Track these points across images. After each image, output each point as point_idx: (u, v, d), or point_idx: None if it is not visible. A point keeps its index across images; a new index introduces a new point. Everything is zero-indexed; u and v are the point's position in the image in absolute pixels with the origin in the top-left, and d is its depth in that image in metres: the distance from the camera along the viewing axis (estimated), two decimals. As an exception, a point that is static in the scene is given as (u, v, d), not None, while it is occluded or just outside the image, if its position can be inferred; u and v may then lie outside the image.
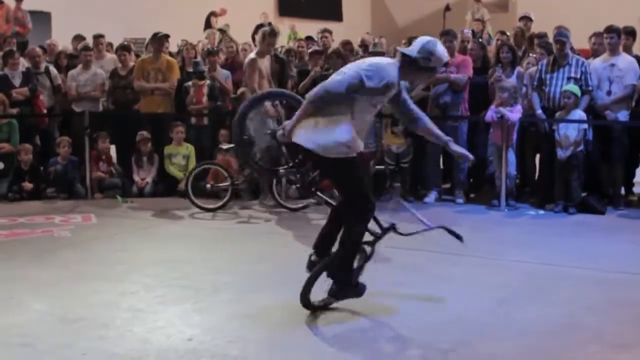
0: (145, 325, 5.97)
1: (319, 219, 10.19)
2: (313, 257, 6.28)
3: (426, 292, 6.93)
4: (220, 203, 10.89)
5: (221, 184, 11.09)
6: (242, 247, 8.80)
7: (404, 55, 5.96)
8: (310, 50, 12.86)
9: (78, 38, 14.99)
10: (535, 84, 10.91)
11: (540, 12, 16.20)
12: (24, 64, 13.03)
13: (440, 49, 5.97)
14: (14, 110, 12.35)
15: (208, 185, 11.08)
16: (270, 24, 19.44)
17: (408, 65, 5.91)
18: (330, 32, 14.64)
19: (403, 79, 5.99)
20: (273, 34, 11.34)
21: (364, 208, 5.99)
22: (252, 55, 11.13)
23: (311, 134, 5.96)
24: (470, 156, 6.23)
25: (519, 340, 5.72)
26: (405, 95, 6.13)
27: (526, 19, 14.81)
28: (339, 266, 6.10)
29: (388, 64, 5.97)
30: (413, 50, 5.93)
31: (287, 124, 6.12)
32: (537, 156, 11.36)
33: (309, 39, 15.16)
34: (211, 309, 6.40)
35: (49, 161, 12.14)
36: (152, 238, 9.31)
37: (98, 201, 11.65)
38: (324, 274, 6.18)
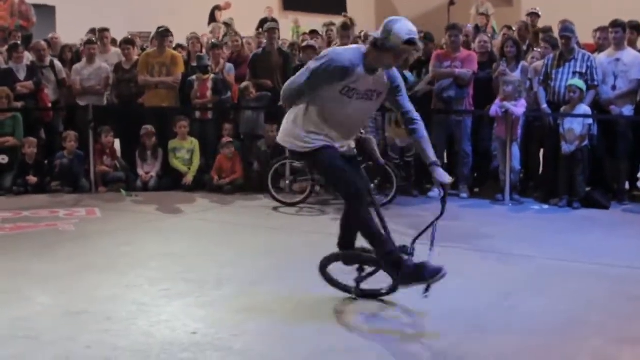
0: (149, 319, 5.97)
1: (327, 214, 10.24)
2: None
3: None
4: (300, 197, 10.86)
5: (301, 179, 11.04)
6: (247, 241, 8.80)
7: (372, 38, 5.85)
8: (303, 45, 12.84)
9: (92, 32, 15.05)
10: (541, 78, 10.90)
11: (545, 6, 16.14)
12: (28, 57, 13.04)
13: (399, 27, 5.66)
14: (19, 104, 12.36)
15: (287, 182, 11.04)
16: (273, 18, 19.46)
17: (373, 47, 5.76)
18: (335, 26, 14.65)
19: (372, 62, 5.79)
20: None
21: (348, 195, 5.93)
22: None
23: (282, 132, 6.11)
24: (448, 181, 6.11)
25: (522, 334, 5.72)
26: (403, 97, 6.04)
27: (534, 15, 14.79)
28: (373, 247, 6.05)
29: (347, 49, 5.94)
30: (378, 31, 5.83)
31: None
32: (542, 151, 11.36)
33: (313, 32, 15.15)
34: (215, 303, 6.40)
35: (55, 155, 12.15)
36: (156, 232, 9.32)
37: (102, 195, 11.66)
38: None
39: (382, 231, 5.98)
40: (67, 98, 13.10)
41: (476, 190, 11.74)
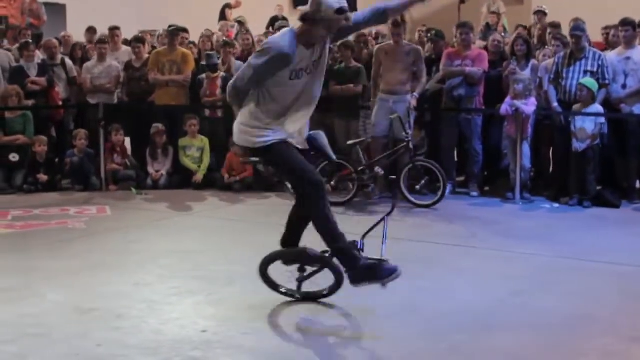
0: (159, 317, 5.98)
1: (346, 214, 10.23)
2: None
3: (438, 284, 6.93)
4: (346, 197, 10.79)
5: (347, 179, 10.95)
6: (257, 238, 8.75)
7: (302, 13, 5.81)
8: None
9: (91, 30, 15.09)
10: (551, 77, 10.88)
11: (555, 3, 16.11)
12: (39, 56, 13.08)
13: None
14: (29, 102, 12.40)
15: (332, 182, 11.03)
16: (284, 17, 19.45)
17: (304, 22, 5.73)
18: None
19: (307, 38, 5.73)
20: None
21: (309, 186, 5.82)
22: None
23: (236, 132, 6.01)
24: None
25: (532, 331, 5.71)
26: (353, 19, 5.91)
27: (541, 13, 14.76)
28: (328, 243, 5.95)
29: (282, 35, 5.84)
30: (306, 7, 5.77)
31: None
32: (552, 149, 11.34)
33: None
34: (225, 301, 6.41)
35: (66, 153, 12.18)
36: (167, 230, 9.33)
37: (113, 193, 11.69)
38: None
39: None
40: (78, 96, 13.13)
41: (486, 188, 11.73)
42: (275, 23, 16.19)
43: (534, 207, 10.62)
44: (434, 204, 10.40)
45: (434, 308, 6.23)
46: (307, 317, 6.00)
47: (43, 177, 11.81)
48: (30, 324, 5.80)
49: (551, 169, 11.48)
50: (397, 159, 10.75)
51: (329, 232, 5.86)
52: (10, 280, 7.01)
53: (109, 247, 8.37)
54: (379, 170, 10.65)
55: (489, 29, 17.09)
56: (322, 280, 6.25)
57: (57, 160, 12.34)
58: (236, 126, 5.97)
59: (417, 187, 10.71)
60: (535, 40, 13.07)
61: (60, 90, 12.85)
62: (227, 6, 21.88)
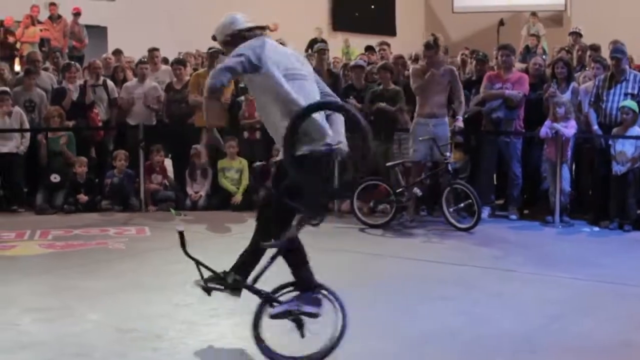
0: (198, 338, 6.00)
1: (385, 235, 10.24)
2: None
3: (476, 308, 6.89)
4: (385, 219, 10.77)
5: (384, 200, 10.99)
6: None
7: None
8: (351, 64, 12.87)
9: (117, 52, 15.33)
10: (592, 100, 10.81)
11: (595, 25, 16.09)
12: (81, 77, 13.26)
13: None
14: (70, 123, 12.52)
15: (371, 203, 11.02)
16: (323, 39, 19.52)
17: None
18: (388, 45, 14.68)
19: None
20: None
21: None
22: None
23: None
24: None
25: (571, 356, 5.68)
26: None
27: (576, 34, 14.72)
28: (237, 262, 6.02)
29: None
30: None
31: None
32: (592, 172, 11.26)
33: (369, 49, 15.19)
34: (263, 322, 6.40)
35: (106, 174, 12.29)
36: (205, 251, 9.29)
37: (152, 214, 11.75)
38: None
39: None
40: (118, 117, 13.24)
41: (526, 211, 11.64)
42: (314, 45, 16.22)
43: (573, 230, 10.54)
44: (469, 228, 10.32)
45: (472, 332, 6.19)
46: (344, 342, 5.97)
47: (83, 198, 11.90)
48: (71, 344, 5.84)
49: (591, 192, 11.38)
50: (436, 182, 10.74)
51: (245, 262, 5.95)
52: (50, 300, 7.07)
53: (149, 268, 8.41)
54: (417, 191, 10.63)
55: (528, 51, 17.08)
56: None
57: (97, 180, 12.43)
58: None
59: (450, 209, 10.60)
60: (574, 62, 13.02)
61: (101, 111, 12.97)
62: (266, 29, 21.99)
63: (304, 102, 5.37)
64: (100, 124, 12.97)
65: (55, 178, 12.07)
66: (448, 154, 10.51)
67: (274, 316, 5.56)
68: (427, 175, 10.82)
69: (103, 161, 12.95)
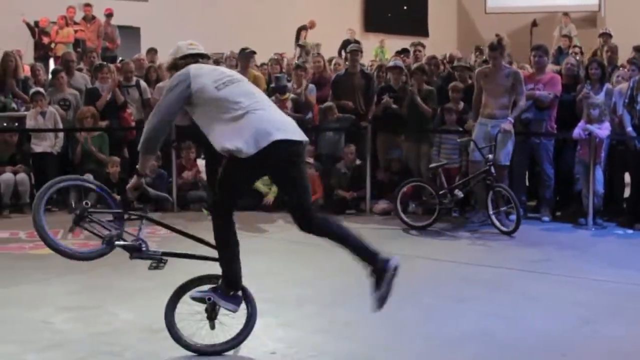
0: (229, 337, 6.01)
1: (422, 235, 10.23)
2: None
3: (509, 309, 6.87)
4: (428, 221, 10.73)
5: (428, 202, 10.94)
6: (328, 261, 8.77)
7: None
8: (389, 65, 12.84)
9: (151, 52, 15.42)
10: (626, 101, 10.73)
11: (629, 26, 15.97)
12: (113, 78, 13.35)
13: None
14: (103, 123, 12.60)
15: (413, 205, 10.99)
16: (356, 40, 19.54)
17: None
18: (423, 46, 14.64)
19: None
20: None
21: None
22: None
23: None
24: None
25: (603, 359, 5.63)
26: None
27: (606, 35, 14.63)
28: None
29: None
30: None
31: None
32: (627, 174, 11.18)
33: (404, 52, 15.18)
34: (294, 323, 6.43)
35: (138, 174, 12.33)
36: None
37: (184, 214, 11.78)
38: None
39: None
40: (151, 117, 13.28)
41: (558, 213, 11.57)
42: (347, 46, 16.25)
43: (606, 233, 10.46)
44: (511, 232, 10.19)
45: (504, 334, 6.17)
46: (374, 343, 5.98)
47: (116, 198, 11.93)
48: (103, 343, 5.89)
49: (626, 194, 11.30)
50: (478, 184, 10.63)
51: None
52: (82, 299, 7.12)
53: (180, 267, 8.39)
54: (458, 193, 10.57)
55: (560, 52, 16.98)
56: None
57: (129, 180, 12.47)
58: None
59: (491, 212, 10.53)
60: (605, 62, 12.93)
61: (133, 111, 13.04)
62: (303, 28, 22.06)
63: (245, 101, 5.55)
64: (133, 124, 13.04)
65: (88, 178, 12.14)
66: (490, 155, 10.38)
67: (193, 298, 5.95)
68: (469, 178, 10.75)
69: (136, 161, 12.97)
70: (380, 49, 23.34)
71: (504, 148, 10.48)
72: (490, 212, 10.39)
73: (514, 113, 10.58)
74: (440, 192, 10.66)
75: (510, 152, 10.61)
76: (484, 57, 13.26)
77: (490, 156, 10.35)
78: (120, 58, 14.64)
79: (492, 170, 10.29)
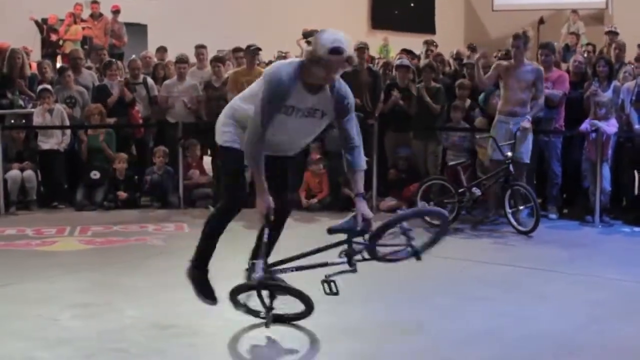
0: (235, 334, 6.03)
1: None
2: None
3: (518, 308, 6.86)
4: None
5: (446, 199, 10.70)
6: (328, 259, 8.79)
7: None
8: (397, 64, 12.80)
9: (161, 50, 15.42)
10: (633, 98, 10.71)
11: (637, 23, 15.92)
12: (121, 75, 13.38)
13: (325, 36, 5.37)
14: (111, 120, 12.61)
15: (431, 202, 10.96)
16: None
17: (307, 60, 5.45)
18: (436, 45, 14.61)
19: (307, 77, 5.48)
20: None
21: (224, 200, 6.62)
22: None
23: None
24: (371, 215, 5.99)
25: (614, 358, 5.62)
26: (349, 120, 5.80)
27: (612, 33, 14.60)
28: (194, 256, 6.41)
29: (284, 63, 5.70)
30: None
31: None
32: (635, 172, 11.17)
33: (408, 52, 15.15)
34: (303, 321, 6.41)
35: (145, 170, 12.36)
36: (243, 248, 9.31)
37: (190, 211, 11.77)
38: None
39: None
40: (158, 114, 13.28)
41: (565, 210, 11.55)
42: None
43: (613, 230, 10.45)
44: (530, 231, 10.05)
45: (513, 333, 6.16)
46: (388, 341, 5.97)
47: (122, 195, 11.98)
48: (110, 340, 5.90)
49: (635, 192, 11.28)
50: (496, 182, 10.50)
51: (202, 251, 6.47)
52: (90, 295, 7.13)
53: (187, 264, 8.42)
54: (476, 191, 10.47)
55: (567, 50, 16.95)
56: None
57: (136, 177, 12.50)
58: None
59: (509, 211, 10.44)
60: (613, 59, 12.90)
61: (141, 108, 13.04)
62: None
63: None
64: (140, 121, 13.05)
65: (95, 175, 12.15)
66: (509, 154, 10.26)
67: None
68: (488, 176, 10.69)
69: (143, 158, 13.02)
70: (385, 47, 23.32)
71: (525, 145, 10.39)
72: (508, 210, 10.30)
73: (532, 111, 10.42)
74: (460, 190, 10.53)
75: (530, 150, 10.52)
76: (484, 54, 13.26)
77: (510, 154, 10.23)
78: (132, 56, 14.59)
79: (511, 168, 10.21)
